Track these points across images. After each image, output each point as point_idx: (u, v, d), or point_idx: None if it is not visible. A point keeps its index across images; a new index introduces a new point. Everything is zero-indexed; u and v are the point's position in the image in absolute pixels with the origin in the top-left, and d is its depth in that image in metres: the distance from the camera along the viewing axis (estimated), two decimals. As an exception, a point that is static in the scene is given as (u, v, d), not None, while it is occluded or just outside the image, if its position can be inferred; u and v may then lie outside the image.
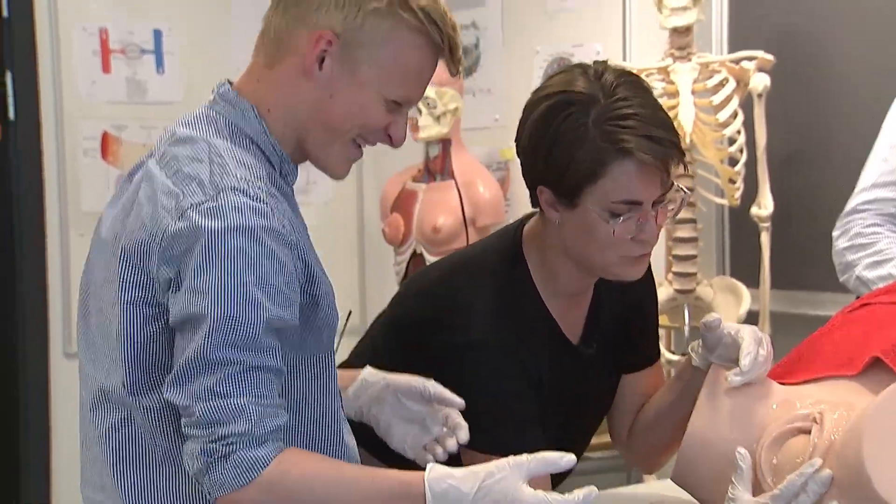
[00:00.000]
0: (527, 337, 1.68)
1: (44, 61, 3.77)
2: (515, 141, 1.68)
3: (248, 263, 1.34)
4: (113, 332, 1.43)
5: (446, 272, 1.76)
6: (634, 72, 1.68)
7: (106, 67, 3.88)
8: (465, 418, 1.59)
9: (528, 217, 1.76)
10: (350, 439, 1.54)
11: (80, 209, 3.83)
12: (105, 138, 3.88)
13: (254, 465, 1.33)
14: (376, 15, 1.44)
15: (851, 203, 2.30)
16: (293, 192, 1.53)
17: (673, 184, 1.62)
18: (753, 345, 1.60)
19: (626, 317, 1.83)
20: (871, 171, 2.28)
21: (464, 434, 1.57)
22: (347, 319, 1.89)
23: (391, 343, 1.77)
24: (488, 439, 1.62)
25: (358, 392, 1.63)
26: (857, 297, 2.17)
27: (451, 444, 1.58)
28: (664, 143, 1.56)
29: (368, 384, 1.63)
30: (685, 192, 1.67)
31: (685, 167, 1.67)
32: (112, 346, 1.44)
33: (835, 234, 2.32)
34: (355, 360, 1.80)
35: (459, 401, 1.58)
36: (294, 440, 1.45)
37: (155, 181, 1.42)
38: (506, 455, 1.35)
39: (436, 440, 1.60)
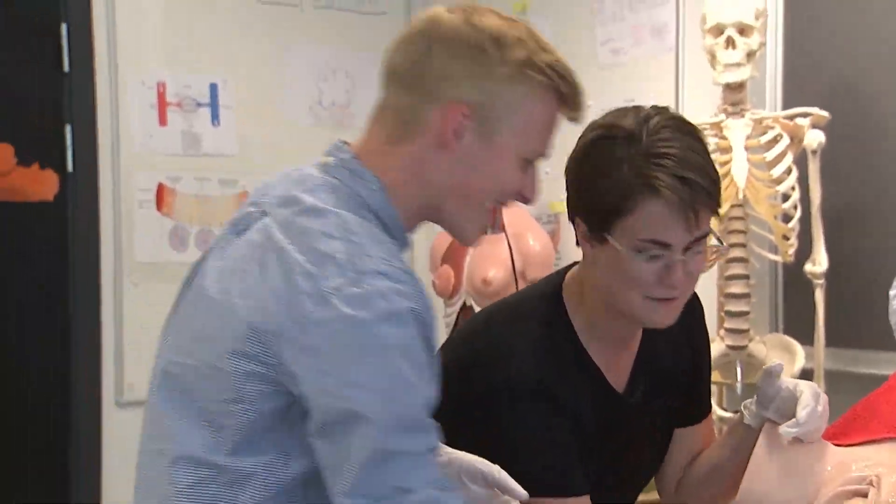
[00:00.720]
0: (570, 381, 1.68)
1: (102, 114, 3.84)
2: (565, 174, 1.68)
3: (401, 350, 1.31)
4: (204, 390, 1.39)
5: (492, 318, 1.77)
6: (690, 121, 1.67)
7: (162, 120, 3.94)
8: (508, 459, 1.57)
9: (573, 265, 1.76)
10: None
11: (134, 259, 3.88)
12: (160, 190, 3.94)
13: None
14: (507, 81, 1.43)
15: (908, 261, 2.27)
16: None
17: (708, 233, 1.59)
18: (812, 399, 1.59)
19: (678, 369, 1.81)
20: (929, 228, 2.26)
21: None
22: None
23: (440, 387, 1.77)
24: (530, 480, 1.61)
25: None
26: (915, 357, 2.13)
27: None
28: (694, 187, 1.54)
29: None
30: (720, 244, 1.65)
31: (717, 215, 1.62)
32: (198, 403, 1.39)
33: (891, 292, 2.29)
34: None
35: (523, 492, 1.54)
36: None
37: (287, 256, 1.35)
38: (549, 496, 1.31)
39: None
